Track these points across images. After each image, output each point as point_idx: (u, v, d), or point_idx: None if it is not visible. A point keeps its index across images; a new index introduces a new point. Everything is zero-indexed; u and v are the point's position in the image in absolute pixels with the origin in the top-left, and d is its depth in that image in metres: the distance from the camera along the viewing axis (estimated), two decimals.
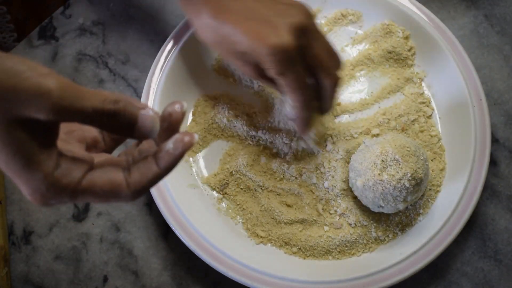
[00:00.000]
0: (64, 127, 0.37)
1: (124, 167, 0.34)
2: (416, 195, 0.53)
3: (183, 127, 0.61)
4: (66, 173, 0.32)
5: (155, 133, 0.33)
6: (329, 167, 0.58)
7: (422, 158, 0.53)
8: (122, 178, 0.33)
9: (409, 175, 0.51)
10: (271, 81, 0.51)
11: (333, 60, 0.51)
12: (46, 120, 0.30)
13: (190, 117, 0.61)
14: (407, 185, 0.51)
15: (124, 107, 0.32)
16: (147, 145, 0.36)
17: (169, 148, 0.33)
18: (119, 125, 0.32)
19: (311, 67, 0.50)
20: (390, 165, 0.52)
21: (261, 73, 0.51)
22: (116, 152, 0.40)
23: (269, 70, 0.49)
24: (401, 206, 0.53)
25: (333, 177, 0.57)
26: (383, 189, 0.52)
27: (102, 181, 0.33)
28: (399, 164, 0.51)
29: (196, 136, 0.34)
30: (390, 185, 0.51)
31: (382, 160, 0.52)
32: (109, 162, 0.35)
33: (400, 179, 0.51)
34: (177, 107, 0.34)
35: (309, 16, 0.50)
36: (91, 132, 0.38)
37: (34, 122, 0.30)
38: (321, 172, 0.58)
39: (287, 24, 0.47)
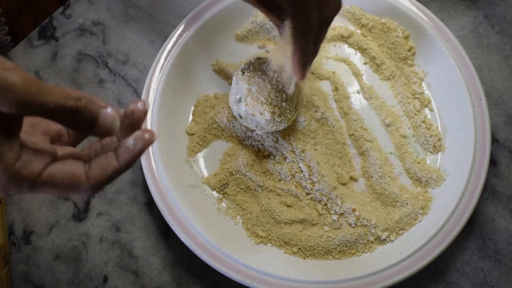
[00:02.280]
0: (29, 120, 0.38)
1: (85, 161, 0.35)
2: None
3: (181, 126, 0.61)
4: (26, 165, 0.33)
5: (115, 132, 0.34)
6: (317, 168, 0.58)
7: None
8: (82, 171, 0.34)
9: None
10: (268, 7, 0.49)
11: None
12: (9, 113, 0.31)
13: (190, 117, 0.61)
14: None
15: (85, 104, 0.32)
16: (110, 140, 0.37)
17: (129, 144, 0.34)
18: (80, 122, 0.33)
19: None
20: None
21: None
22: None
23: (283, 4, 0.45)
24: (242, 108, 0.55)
25: (322, 176, 0.57)
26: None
27: (62, 173, 0.34)
28: None
29: (156, 134, 0.34)
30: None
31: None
32: (71, 155, 0.35)
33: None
34: (139, 105, 0.35)
35: None
36: (56, 125, 0.39)
37: None
38: (310, 173, 0.58)
39: None
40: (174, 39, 0.61)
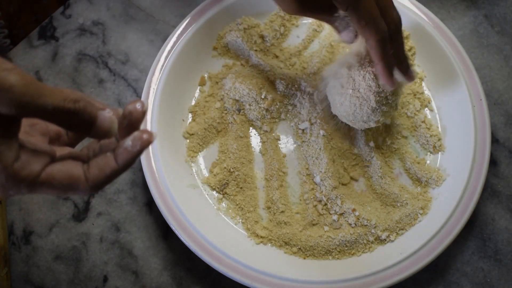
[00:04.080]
0: (28, 120, 0.38)
1: (84, 161, 0.35)
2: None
3: (181, 127, 0.61)
4: (25, 165, 0.33)
5: (113, 134, 0.34)
6: (313, 160, 0.58)
7: None
8: (81, 172, 0.34)
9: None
10: (325, 15, 0.50)
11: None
12: (7, 114, 0.31)
13: (190, 117, 0.61)
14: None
15: (83, 106, 0.32)
16: (108, 140, 0.37)
17: (127, 145, 0.34)
18: (78, 124, 0.33)
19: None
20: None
21: (306, 7, 0.49)
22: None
23: (337, 2, 0.46)
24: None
25: (321, 171, 0.57)
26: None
27: (61, 174, 0.34)
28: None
29: (155, 135, 0.34)
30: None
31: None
32: (70, 155, 0.35)
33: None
34: (138, 105, 0.35)
35: None
36: (54, 125, 0.39)
37: None
38: (307, 169, 0.58)
39: None
40: (174, 39, 0.61)
